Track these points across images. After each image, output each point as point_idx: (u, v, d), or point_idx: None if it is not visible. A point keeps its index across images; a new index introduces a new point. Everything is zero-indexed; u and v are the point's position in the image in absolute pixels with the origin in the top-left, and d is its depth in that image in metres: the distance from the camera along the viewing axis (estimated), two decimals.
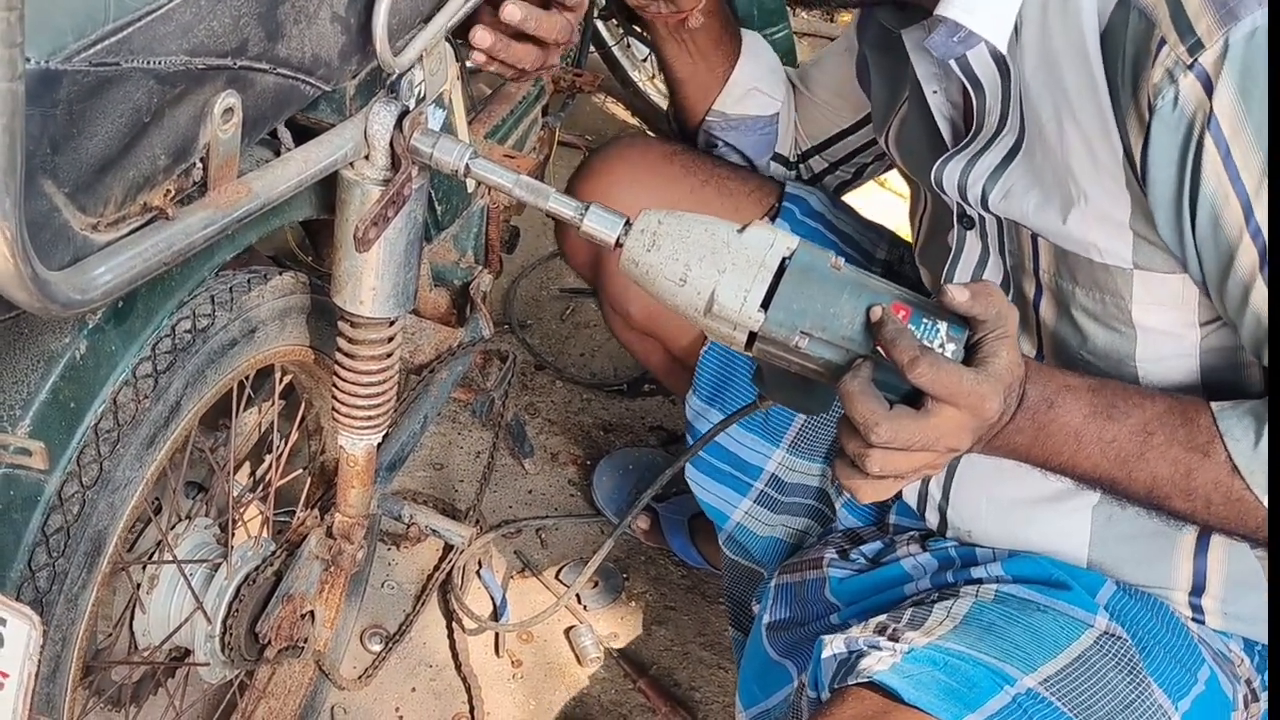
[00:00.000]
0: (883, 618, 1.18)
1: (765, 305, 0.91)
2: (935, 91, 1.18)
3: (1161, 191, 1.00)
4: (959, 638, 1.12)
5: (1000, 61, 1.08)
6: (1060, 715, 1.07)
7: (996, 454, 1.02)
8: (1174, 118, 0.96)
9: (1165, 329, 1.11)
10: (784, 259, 0.92)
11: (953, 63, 1.10)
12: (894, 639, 1.12)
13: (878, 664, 1.08)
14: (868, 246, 1.54)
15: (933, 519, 1.29)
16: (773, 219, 1.53)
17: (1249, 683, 1.20)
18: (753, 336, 0.93)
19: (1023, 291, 1.19)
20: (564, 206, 1.00)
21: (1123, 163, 1.02)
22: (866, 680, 1.07)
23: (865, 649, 1.12)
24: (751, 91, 1.50)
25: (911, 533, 1.34)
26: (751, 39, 1.52)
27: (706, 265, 0.93)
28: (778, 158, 1.58)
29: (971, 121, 1.15)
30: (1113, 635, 1.15)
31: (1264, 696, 1.20)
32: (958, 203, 1.20)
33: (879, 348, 0.90)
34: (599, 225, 0.98)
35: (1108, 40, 1.00)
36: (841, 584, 1.32)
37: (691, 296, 0.93)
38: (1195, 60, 0.94)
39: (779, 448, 1.48)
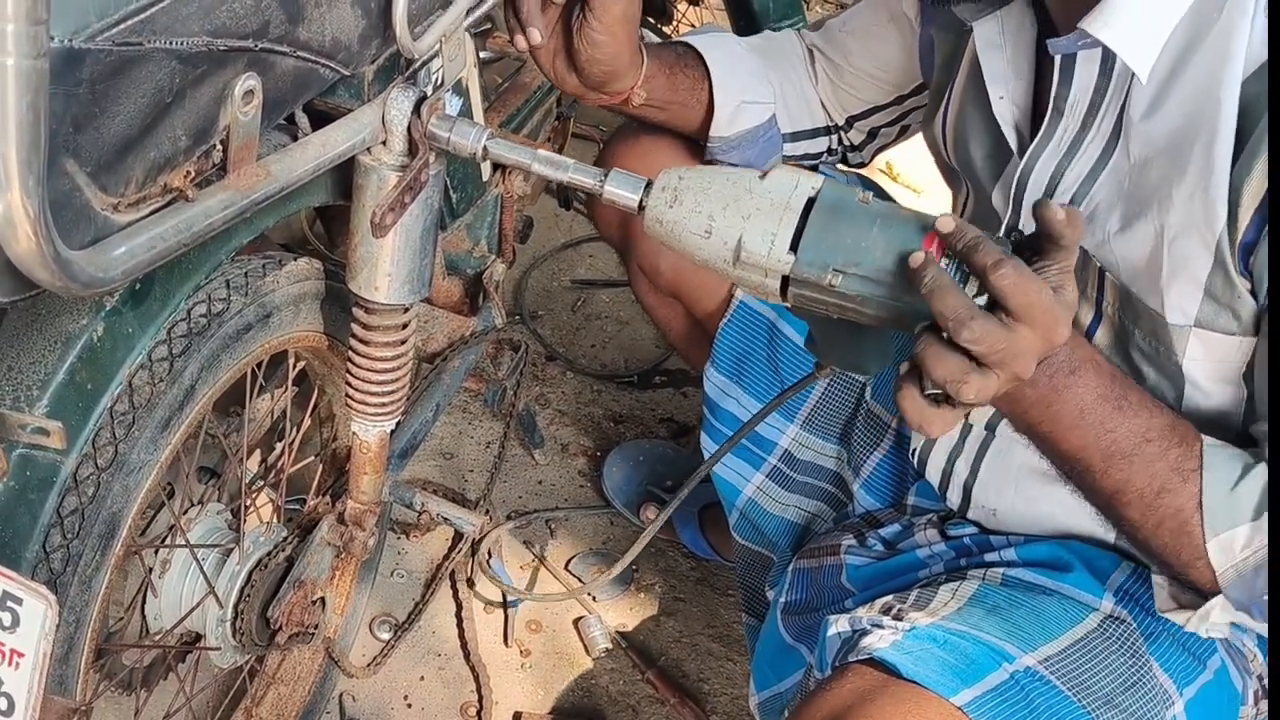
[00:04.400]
0: (889, 598, 1.19)
1: (795, 248, 0.89)
2: (1001, 97, 1.14)
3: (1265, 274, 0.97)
4: (962, 617, 1.12)
5: (1107, 62, 1.04)
6: (1057, 692, 1.07)
7: (999, 403, 1.00)
8: None
9: (1209, 386, 1.09)
10: (809, 199, 0.91)
11: (1058, 57, 1.07)
12: (898, 618, 1.13)
13: (879, 641, 1.08)
14: None
15: (955, 498, 1.27)
16: None
17: (1261, 679, 1.20)
18: (786, 282, 0.91)
19: (1077, 316, 1.14)
20: (584, 176, 0.99)
21: (1222, 226, 0.98)
22: (867, 657, 1.07)
23: (869, 627, 1.12)
24: (741, 107, 1.42)
25: (930, 515, 1.34)
26: (716, 51, 1.42)
27: (730, 214, 0.91)
28: (803, 134, 1.50)
29: (1039, 126, 1.12)
30: (1117, 618, 1.15)
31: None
32: (1010, 213, 1.16)
33: (928, 276, 0.84)
34: (620, 189, 0.97)
35: (1249, 90, 0.95)
36: (857, 571, 1.33)
37: (718, 247, 0.92)
38: None
39: (793, 423, 1.48)
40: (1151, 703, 1.10)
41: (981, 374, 0.84)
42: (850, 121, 1.50)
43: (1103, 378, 1.00)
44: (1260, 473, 1.00)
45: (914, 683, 1.03)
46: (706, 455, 1.51)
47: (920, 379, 0.87)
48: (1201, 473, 1.01)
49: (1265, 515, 0.99)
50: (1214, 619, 1.06)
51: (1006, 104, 1.15)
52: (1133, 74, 1.01)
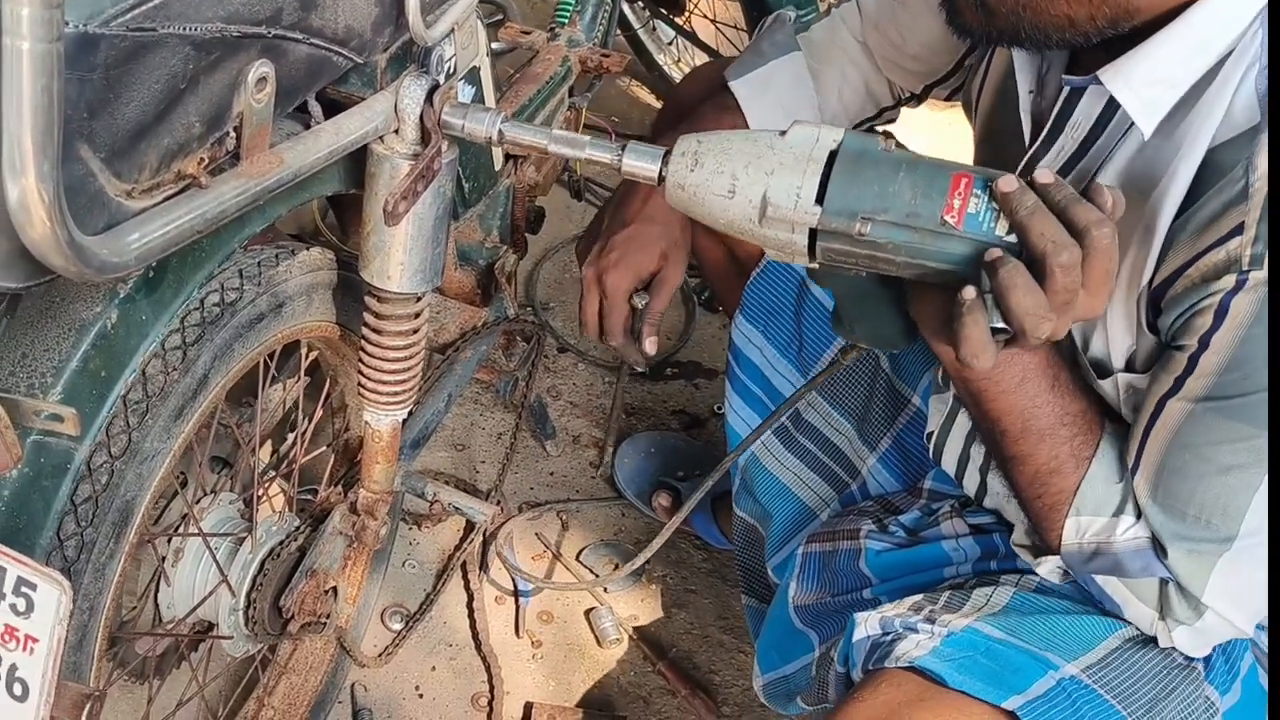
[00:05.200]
0: (918, 597, 1.18)
1: (821, 200, 0.89)
2: (1031, 92, 1.14)
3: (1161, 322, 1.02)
4: (998, 622, 1.12)
5: (1113, 102, 1.04)
6: (1102, 701, 1.07)
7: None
8: (1206, 302, 0.96)
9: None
10: (832, 151, 0.90)
11: (1065, 85, 1.08)
12: (930, 620, 1.12)
13: (915, 649, 1.08)
14: None
15: (971, 484, 1.26)
16: None
17: None
18: (814, 238, 0.90)
19: None
20: (601, 151, 0.99)
21: (1148, 279, 1.01)
22: (907, 665, 1.07)
23: (901, 630, 1.12)
24: None
25: (950, 500, 1.33)
26: (755, 108, 1.41)
27: (753, 171, 0.90)
28: (863, 124, 1.49)
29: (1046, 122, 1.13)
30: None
31: None
32: None
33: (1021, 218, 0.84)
34: (639, 161, 0.96)
35: (1215, 156, 0.97)
36: (878, 557, 1.32)
37: (743, 206, 0.91)
38: (1249, 274, 0.93)
39: (807, 380, 1.47)
40: (1193, 708, 1.11)
41: (1073, 295, 0.85)
42: (928, 89, 1.47)
43: (1050, 354, 1.03)
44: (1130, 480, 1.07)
45: (959, 691, 1.03)
46: (727, 404, 1.52)
47: (986, 310, 0.87)
48: (1093, 461, 1.06)
49: (1123, 515, 1.06)
50: (1043, 570, 1.15)
51: (1033, 98, 1.15)
52: (1131, 122, 1.02)
